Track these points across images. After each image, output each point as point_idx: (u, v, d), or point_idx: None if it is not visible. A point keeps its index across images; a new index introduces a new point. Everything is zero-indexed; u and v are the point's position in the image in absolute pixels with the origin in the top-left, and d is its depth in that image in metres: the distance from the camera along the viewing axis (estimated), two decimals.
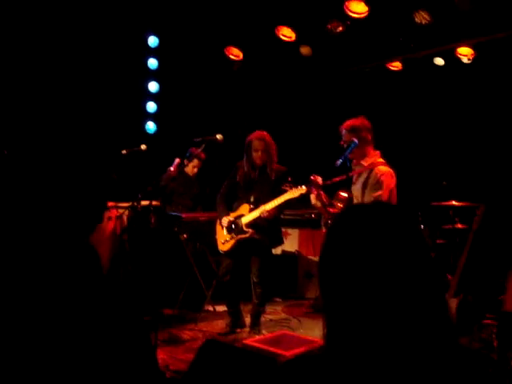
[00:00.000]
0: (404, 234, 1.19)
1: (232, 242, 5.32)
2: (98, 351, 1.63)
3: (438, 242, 5.99)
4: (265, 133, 5.34)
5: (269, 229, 5.33)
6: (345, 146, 4.54)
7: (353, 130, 4.58)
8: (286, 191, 5.01)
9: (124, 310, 1.80)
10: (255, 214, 5.19)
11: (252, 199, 5.31)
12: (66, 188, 1.93)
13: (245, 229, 5.25)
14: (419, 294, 1.14)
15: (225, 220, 5.34)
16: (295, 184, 5.02)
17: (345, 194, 4.70)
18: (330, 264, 1.22)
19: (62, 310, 1.63)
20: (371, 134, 4.64)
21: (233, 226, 5.32)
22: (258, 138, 5.26)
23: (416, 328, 1.12)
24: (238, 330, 5.52)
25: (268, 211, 5.07)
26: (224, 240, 5.37)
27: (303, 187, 4.93)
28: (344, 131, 4.63)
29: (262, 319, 5.72)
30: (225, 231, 5.36)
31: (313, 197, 4.74)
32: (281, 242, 5.81)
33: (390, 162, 4.66)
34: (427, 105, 7.43)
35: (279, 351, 4.11)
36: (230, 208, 5.45)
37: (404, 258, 1.15)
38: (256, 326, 5.43)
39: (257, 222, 5.25)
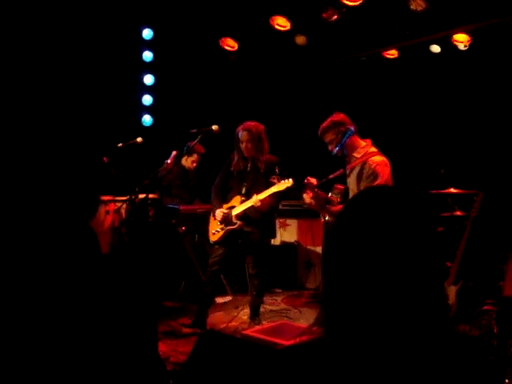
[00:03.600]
0: (417, 218, 1.18)
1: (221, 232, 5.30)
2: (100, 337, 1.63)
3: (436, 229, 5.99)
4: (253, 123, 5.27)
5: (260, 222, 5.30)
6: (335, 150, 4.47)
7: (335, 126, 4.50)
8: (273, 183, 4.99)
9: (128, 297, 1.80)
10: (245, 205, 5.16)
11: (243, 191, 5.27)
12: (61, 179, 1.93)
13: (234, 220, 5.22)
14: (421, 281, 1.13)
15: (219, 213, 5.31)
16: (282, 176, 5.00)
17: (341, 186, 4.68)
18: (339, 246, 1.21)
19: (63, 293, 1.63)
20: (352, 124, 4.56)
21: (223, 218, 5.30)
22: (244, 129, 5.21)
23: (415, 316, 1.11)
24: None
25: (261, 201, 5.03)
26: (215, 230, 5.36)
27: (290, 180, 4.93)
28: (325, 134, 4.55)
29: (262, 310, 5.73)
30: (217, 222, 5.34)
31: (306, 197, 4.66)
32: (273, 236, 5.78)
33: (386, 150, 4.62)
34: (424, 92, 7.40)
35: (279, 341, 4.11)
36: (225, 199, 5.43)
37: (412, 244, 1.14)
38: (256, 316, 5.44)
39: (247, 214, 5.22)
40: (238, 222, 5.21)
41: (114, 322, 1.71)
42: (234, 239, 5.33)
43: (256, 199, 5.04)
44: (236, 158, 5.35)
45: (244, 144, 5.21)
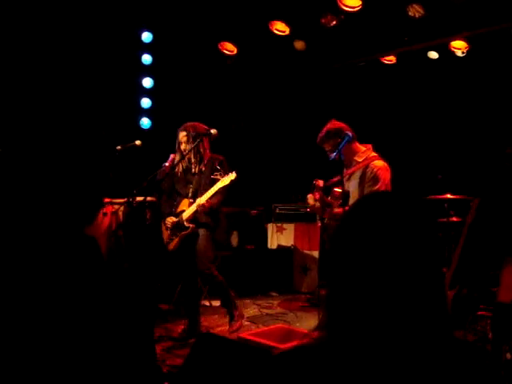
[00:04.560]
0: (418, 224, 1.21)
1: (176, 239, 5.12)
2: (98, 341, 1.64)
3: (437, 235, 6.00)
4: (191, 124, 5.07)
5: (210, 224, 5.13)
6: (332, 156, 4.51)
7: (331, 135, 4.56)
8: (217, 180, 4.86)
9: (125, 301, 1.81)
10: (195, 207, 4.97)
11: (190, 193, 5.13)
12: (63, 182, 1.94)
13: (186, 224, 5.04)
14: (423, 285, 1.16)
15: (168, 220, 5.15)
16: (225, 171, 4.90)
17: (339, 190, 4.70)
18: (342, 249, 1.23)
19: (64, 299, 1.64)
20: (350, 130, 4.59)
21: (175, 224, 5.13)
22: (181, 129, 5.04)
23: (416, 320, 1.13)
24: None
25: (204, 204, 4.87)
26: (169, 239, 5.18)
27: (233, 173, 4.81)
28: (323, 143, 4.61)
29: (258, 313, 5.72)
30: (168, 230, 5.18)
31: (311, 198, 4.75)
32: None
33: (384, 155, 4.66)
34: (421, 98, 7.44)
35: (275, 344, 4.12)
36: (174, 204, 5.25)
37: (414, 248, 1.17)
38: (232, 316, 5.17)
39: (198, 217, 5.07)
40: (191, 226, 5.03)
41: (111, 325, 1.72)
42: (189, 244, 5.12)
43: (205, 198, 4.86)
44: (177, 160, 5.16)
45: (183, 145, 5.05)
